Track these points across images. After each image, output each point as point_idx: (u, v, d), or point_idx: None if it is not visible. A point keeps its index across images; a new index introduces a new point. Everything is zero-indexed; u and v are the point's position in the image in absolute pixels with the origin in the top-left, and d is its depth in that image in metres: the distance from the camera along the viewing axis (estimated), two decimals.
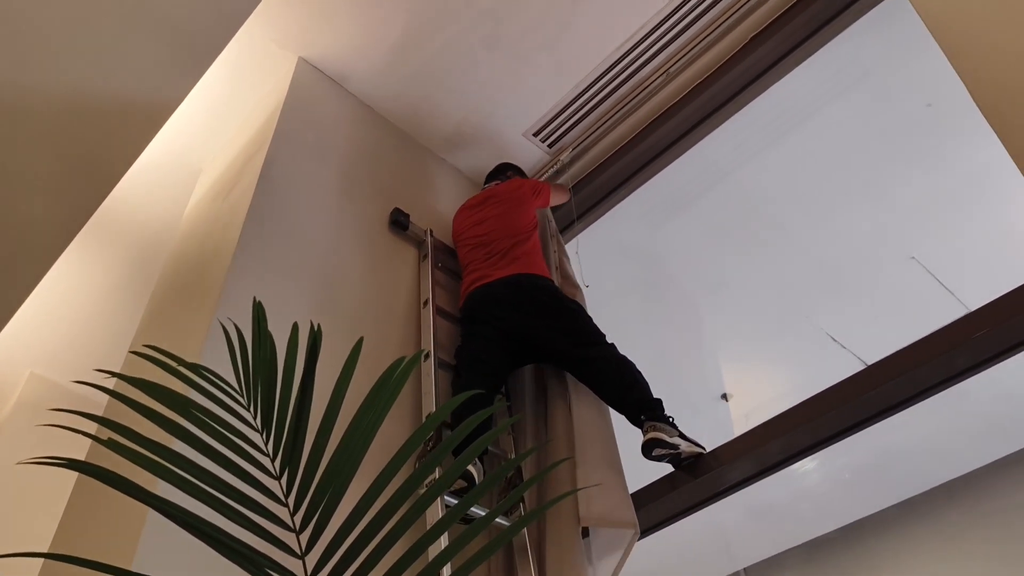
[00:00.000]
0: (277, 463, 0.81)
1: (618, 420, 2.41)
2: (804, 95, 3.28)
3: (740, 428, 4.45)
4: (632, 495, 2.44)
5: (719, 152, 3.43)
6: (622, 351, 2.50)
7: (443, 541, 1.92)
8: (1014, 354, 2.01)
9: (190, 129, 3.36)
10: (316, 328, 0.80)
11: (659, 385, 2.48)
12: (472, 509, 2.17)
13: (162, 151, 3.41)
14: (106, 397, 3.77)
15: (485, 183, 3.20)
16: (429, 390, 2.45)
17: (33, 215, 3.08)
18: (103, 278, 3.89)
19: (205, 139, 3.38)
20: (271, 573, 0.81)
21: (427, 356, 2.56)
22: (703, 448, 2.31)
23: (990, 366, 2.03)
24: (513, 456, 2.48)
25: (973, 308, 3.63)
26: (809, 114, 3.36)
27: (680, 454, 2.25)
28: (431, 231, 3.00)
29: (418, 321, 2.73)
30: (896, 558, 4.87)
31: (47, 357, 4.23)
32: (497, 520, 2.27)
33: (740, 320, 4.20)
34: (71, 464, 0.78)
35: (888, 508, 4.86)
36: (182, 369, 0.81)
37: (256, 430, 0.82)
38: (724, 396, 4.43)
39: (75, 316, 4.04)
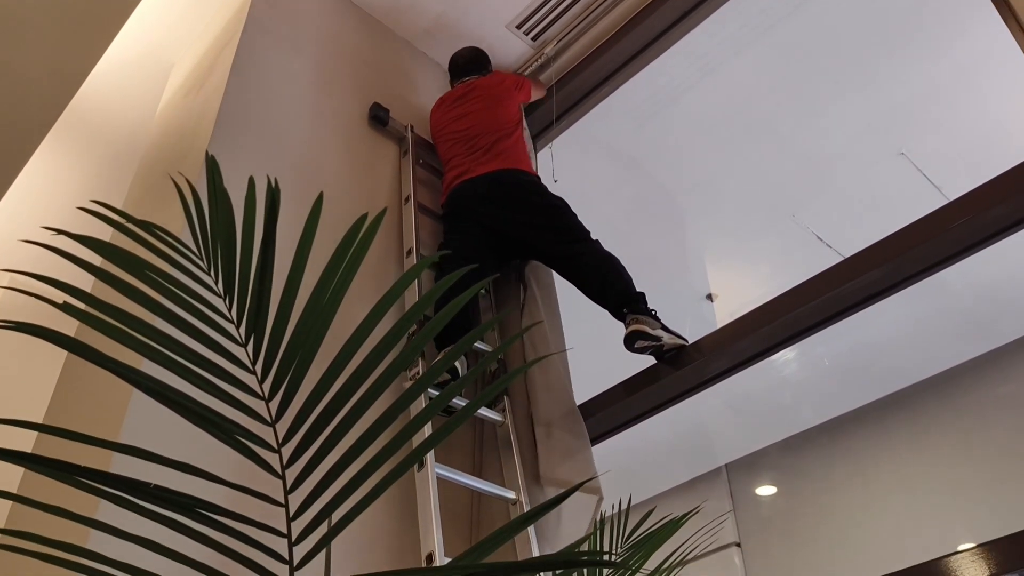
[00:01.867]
0: (242, 329, 0.79)
1: (601, 314, 2.41)
2: None
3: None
4: (614, 388, 2.47)
5: (706, 46, 3.34)
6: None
7: (426, 431, 1.95)
8: (992, 243, 2.00)
9: (161, 22, 3.24)
10: (274, 184, 0.77)
11: (644, 286, 2.48)
12: (454, 400, 2.19)
13: (133, 46, 3.30)
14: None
15: (457, 75, 3.06)
16: (412, 287, 2.43)
17: (2, 113, 3.00)
18: (78, 180, 3.81)
19: (176, 32, 3.26)
20: (242, 440, 0.81)
21: (410, 252, 2.54)
22: (685, 340, 2.32)
23: (968, 255, 2.03)
24: (494, 348, 2.49)
25: None
26: (798, 5, 3.26)
27: (663, 346, 2.26)
28: (412, 127, 2.93)
29: (400, 218, 2.69)
30: (872, 452, 5.01)
31: (26, 258, 4.18)
32: (482, 412, 2.30)
33: (725, 220, 4.19)
34: (24, 327, 0.76)
35: (867, 404, 4.96)
36: (132, 227, 0.78)
37: (218, 295, 0.79)
38: (709, 296, 4.44)
39: (51, 219, 3.98)
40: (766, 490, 5.69)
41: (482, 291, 2.62)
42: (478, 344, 2.48)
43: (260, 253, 0.77)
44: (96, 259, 0.83)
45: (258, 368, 0.80)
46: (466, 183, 2.62)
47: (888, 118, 3.63)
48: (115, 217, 0.80)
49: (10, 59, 2.80)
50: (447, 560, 1.81)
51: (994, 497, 4.28)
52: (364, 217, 0.79)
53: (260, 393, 0.81)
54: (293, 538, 0.83)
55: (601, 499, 2.12)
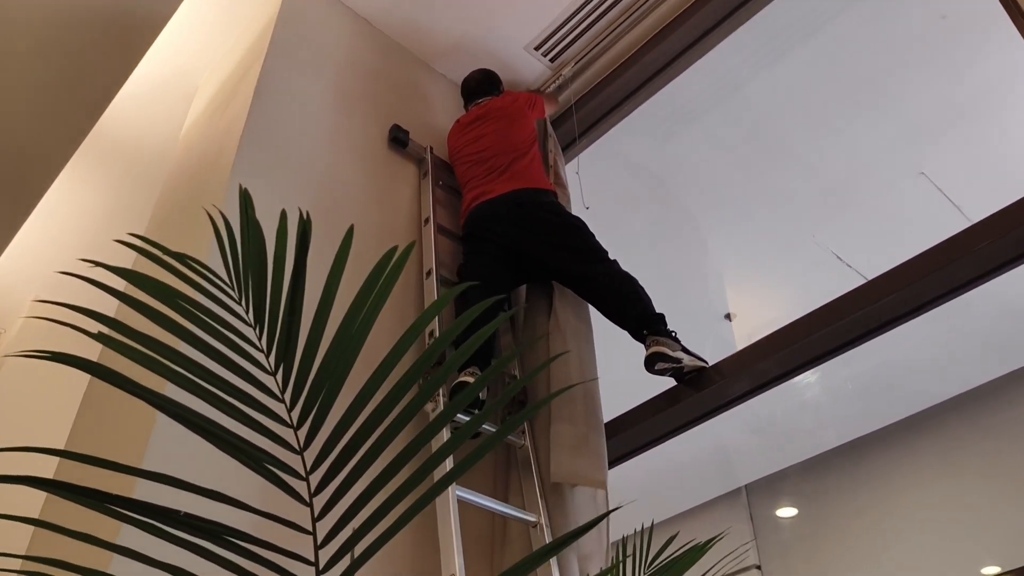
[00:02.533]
0: (272, 358, 0.80)
1: (621, 336, 2.41)
2: (815, 4, 3.18)
3: (744, 346, 4.47)
4: (634, 409, 2.46)
5: (725, 65, 3.35)
6: (625, 269, 2.49)
7: (448, 462, 1.95)
8: (1016, 265, 1.99)
9: (186, 46, 3.29)
10: (305, 216, 0.78)
11: (662, 305, 2.47)
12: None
13: (157, 68, 3.35)
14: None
15: (470, 98, 3.08)
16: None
17: (27, 136, 3.04)
18: (103, 201, 3.86)
19: (201, 55, 3.30)
20: (271, 468, 0.81)
21: (429, 274, 2.55)
22: (705, 362, 2.31)
23: (991, 278, 2.01)
24: (517, 375, 2.49)
25: None
26: (819, 25, 3.26)
27: (683, 368, 2.25)
28: (431, 148, 2.95)
29: (419, 239, 2.70)
30: (896, 474, 4.95)
31: (49, 283, 4.23)
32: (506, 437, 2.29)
33: (744, 239, 4.17)
34: (57, 357, 0.77)
35: (889, 425, 4.91)
36: (166, 258, 0.80)
37: (249, 324, 0.80)
38: (727, 316, 4.43)
39: (76, 241, 4.03)
40: (787, 512, 5.63)
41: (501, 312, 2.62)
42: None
43: (290, 284, 0.78)
44: (120, 285, 0.84)
45: (287, 396, 0.81)
46: (484, 204, 2.63)
47: (909, 138, 3.62)
48: (151, 249, 0.82)
49: (37, 78, 2.84)
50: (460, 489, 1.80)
51: (1021, 520, 4.21)
52: (394, 249, 0.80)
53: (289, 421, 0.81)
54: (321, 566, 0.83)
55: (606, 493, 2.12)
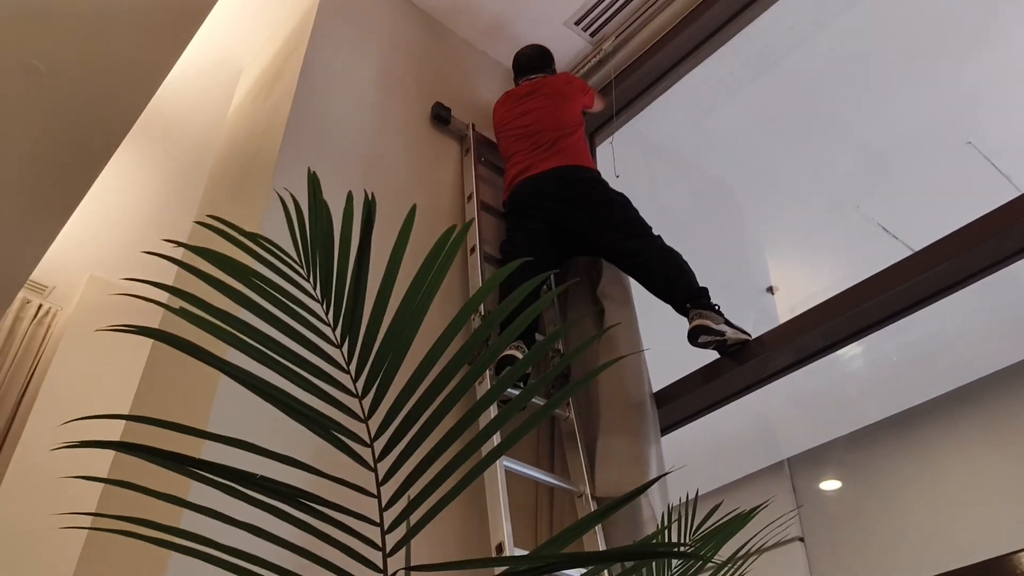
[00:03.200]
0: (338, 331, 0.85)
1: (664, 308, 2.43)
2: None
3: (785, 319, 4.46)
4: (677, 382, 2.49)
5: (767, 38, 3.32)
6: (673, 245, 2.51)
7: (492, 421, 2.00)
8: None
9: (231, 29, 3.35)
10: (371, 198, 0.83)
11: (704, 279, 2.49)
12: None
13: (203, 53, 3.41)
14: (164, 293, 3.87)
15: (522, 73, 3.09)
16: (476, 283, 2.49)
17: (80, 120, 3.13)
18: (154, 182, 3.96)
19: (245, 38, 3.36)
20: (338, 435, 0.86)
21: (473, 250, 2.59)
22: (749, 335, 2.32)
23: None
24: (562, 350, 2.53)
25: None
26: None
27: (726, 340, 2.27)
28: (473, 125, 2.98)
29: (463, 216, 2.74)
30: (941, 447, 4.91)
31: (105, 260, 4.36)
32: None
33: (787, 212, 4.15)
34: (145, 331, 0.82)
35: (935, 398, 4.87)
36: (242, 239, 0.85)
37: (316, 300, 0.85)
38: (770, 289, 4.41)
39: (129, 220, 4.14)
40: (830, 485, 5.62)
41: (546, 288, 2.65)
42: (540, 337, 2.52)
43: (356, 261, 0.82)
44: (184, 266, 0.90)
45: (352, 367, 0.85)
46: (529, 180, 2.66)
47: (954, 107, 3.56)
48: (227, 229, 0.86)
49: (90, 63, 2.92)
50: (516, 550, 1.86)
51: None
52: (452, 228, 0.83)
53: (354, 391, 0.86)
54: (386, 527, 0.88)
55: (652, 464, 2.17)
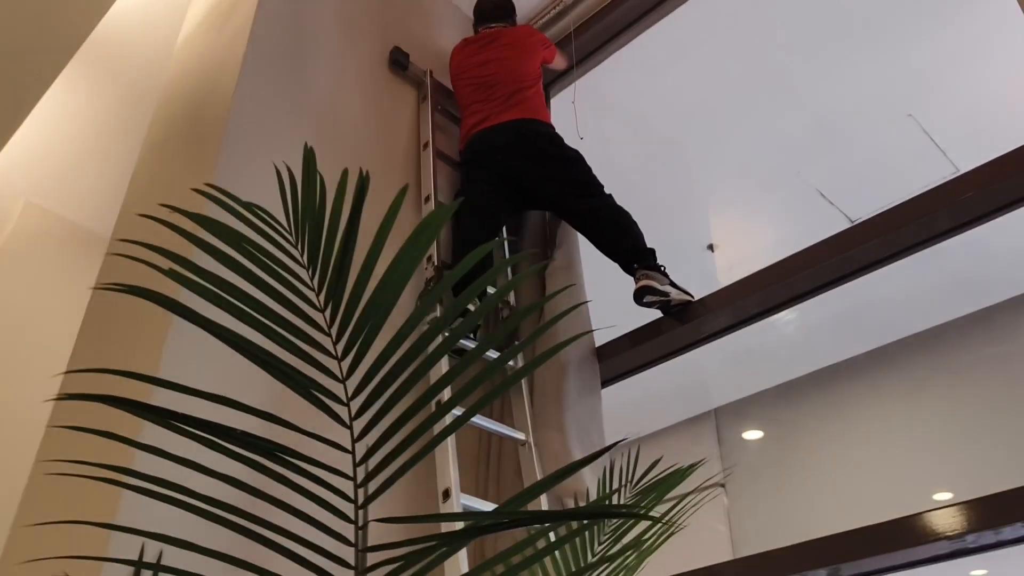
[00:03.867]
0: (322, 297, 0.89)
1: (612, 268, 2.50)
2: None
3: (724, 278, 4.59)
4: (620, 338, 2.58)
5: (724, 1, 3.37)
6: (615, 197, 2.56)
7: (443, 366, 2.06)
8: (995, 217, 2.09)
9: None
10: (365, 175, 0.86)
11: (647, 234, 2.56)
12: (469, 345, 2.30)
13: None
14: (106, 230, 3.80)
15: (483, 20, 3.06)
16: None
17: (22, 42, 3.02)
18: (96, 112, 3.84)
19: None
20: (316, 394, 0.91)
21: (427, 199, 2.61)
22: (691, 296, 2.42)
23: (971, 228, 2.11)
24: (512, 303, 2.59)
25: (964, 169, 3.70)
26: None
27: (670, 301, 2.36)
28: (431, 72, 2.97)
29: (418, 164, 2.75)
30: (860, 404, 5.18)
31: (42, 187, 4.24)
32: (490, 355, 2.41)
33: (731, 173, 4.25)
34: (136, 291, 0.84)
35: (858, 358, 5.11)
36: (237, 207, 0.87)
37: (303, 267, 0.88)
38: (710, 247, 4.54)
39: (68, 148, 4.02)
40: (753, 434, 5.88)
41: (499, 241, 2.70)
42: (493, 291, 2.57)
43: (344, 232, 0.86)
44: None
45: (334, 331, 0.89)
46: (485, 131, 2.68)
47: (898, 80, 3.68)
48: (224, 199, 0.89)
49: None
50: (463, 496, 1.93)
51: (974, 453, 4.46)
52: (404, 192, 0.87)
53: (334, 353, 0.90)
54: (358, 480, 0.93)
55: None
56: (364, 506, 0.94)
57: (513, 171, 2.61)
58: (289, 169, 0.88)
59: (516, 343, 2.23)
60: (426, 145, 2.76)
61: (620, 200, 2.58)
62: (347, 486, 0.94)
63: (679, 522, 1.55)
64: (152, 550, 1.50)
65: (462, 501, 1.93)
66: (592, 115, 3.84)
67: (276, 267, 0.87)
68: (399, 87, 2.90)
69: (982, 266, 4.22)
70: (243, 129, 2.28)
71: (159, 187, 2.49)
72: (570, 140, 2.95)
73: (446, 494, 1.93)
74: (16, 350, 3.91)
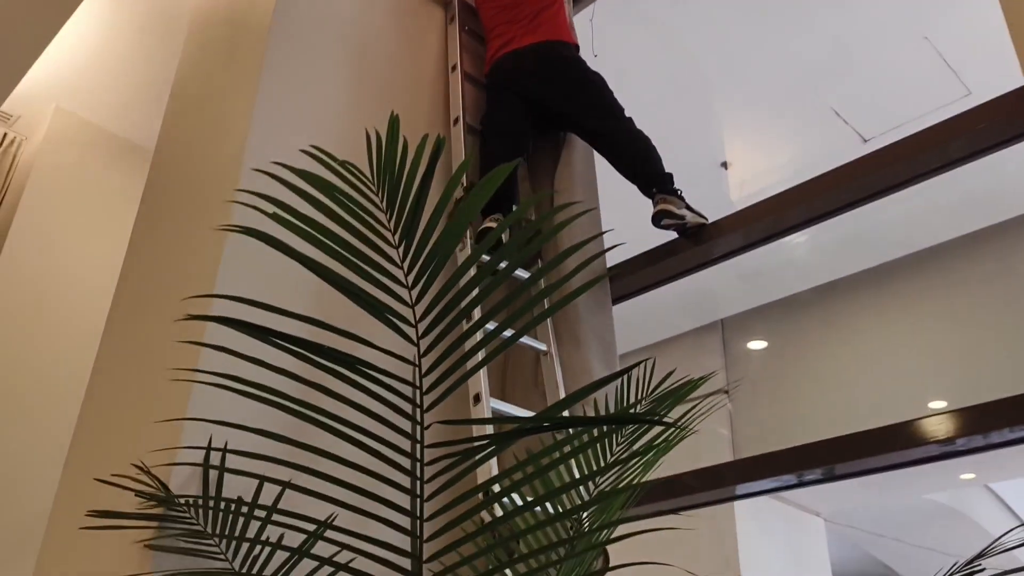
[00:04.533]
0: (397, 236, 1.04)
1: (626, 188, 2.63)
2: None
3: (736, 194, 4.72)
4: (637, 257, 2.73)
5: None
6: (632, 116, 2.67)
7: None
8: (1008, 145, 2.20)
9: None
10: (440, 139, 1.00)
11: (663, 150, 2.67)
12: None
13: None
14: (144, 137, 3.94)
15: None
16: (459, 154, 2.65)
17: None
18: (122, 16, 3.89)
19: None
20: (391, 318, 1.08)
21: (456, 121, 2.73)
22: (706, 219, 2.56)
23: (990, 153, 2.22)
24: (534, 218, 2.74)
25: (975, 92, 3.76)
26: None
27: (686, 224, 2.50)
28: None
29: (446, 86, 2.85)
30: (861, 317, 5.37)
31: (71, 93, 4.33)
32: (518, 273, 2.57)
33: (747, 93, 4.31)
34: (250, 232, 1.00)
35: (862, 272, 5.28)
36: (335, 165, 1.02)
37: (382, 210, 1.04)
38: (724, 164, 4.64)
39: (97, 56, 4.10)
40: (757, 344, 6.11)
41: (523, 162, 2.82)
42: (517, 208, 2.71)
43: (419, 186, 1.01)
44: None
45: (406, 264, 1.05)
46: (509, 55, 2.77)
47: (915, 3, 3.71)
48: (324, 159, 1.03)
49: None
50: (493, 400, 2.13)
51: (972, 365, 4.67)
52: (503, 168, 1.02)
53: (405, 283, 1.07)
54: (424, 388, 1.11)
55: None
56: (428, 410, 1.12)
57: (537, 94, 2.72)
58: (378, 133, 1.02)
59: (539, 260, 2.41)
60: (454, 67, 2.85)
61: (637, 113, 2.68)
62: (407, 392, 1.13)
63: (690, 427, 1.74)
64: (218, 441, 1.71)
65: (491, 405, 2.13)
66: (614, 30, 3.89)
67: (361, 212, 1.02)
68: (427, 8, 2.97)
69: (990, 186, 4.33)
70: (282, 46, 2.38)
71: (203, 102, 2.62)
72: (589, 56, 3.04)
73: (476, 398, 2.12)
74: (55, 253, 4.09)
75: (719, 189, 4.69)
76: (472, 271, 1.10)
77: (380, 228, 1.03)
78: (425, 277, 1.05)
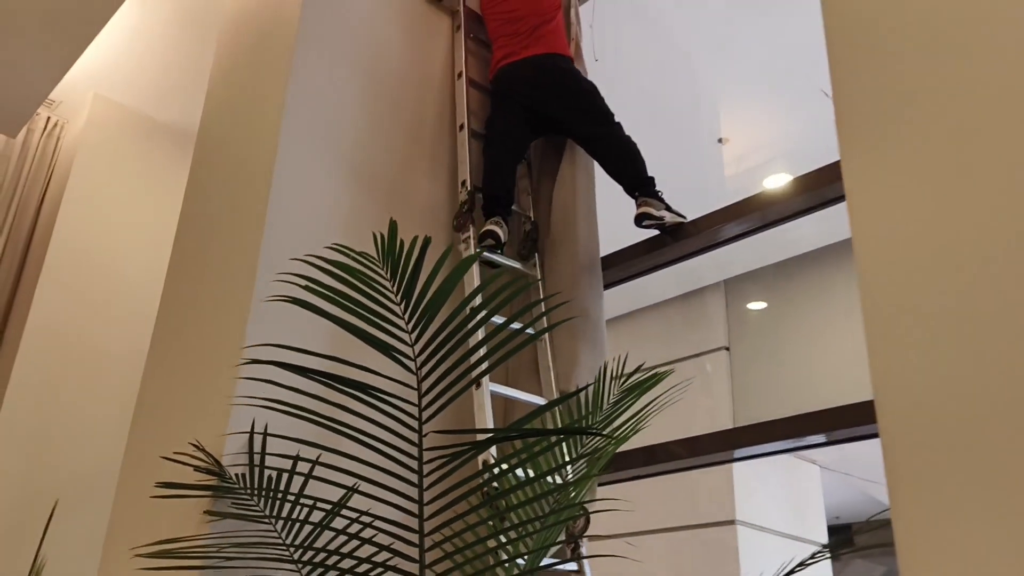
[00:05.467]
0: (411, 325, 1.39)
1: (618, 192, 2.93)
2: None
3: (731, 168, 4.99)
4: (625, 249, 3.05)
5: None
6: (633, 98, 2.93)
7: (475, 278, 2.57)
8: None
9: None
10: (428, 240, 1.32)
11: (663, 128, 2.91)
12: (502, 261, 2.80)
13: None
14: (187, 123, 4.29)
15: None
16: (464, 159, 2.95)
17: None
18: (164, 13, 4.18)
19: None
20: (394, 354, 1.42)
21: (462, 127, 3.03)
22: (684, 217, 2.86)
23: None
24: (531, 214, 3.05)
25: None
26: None
27: (664, 223, 2.81)
28: (464, 1, 3.29)
29: (452, 92, 3.15)
30: (850, 284, 5.64)
31: (109, 81, 4.65)
32: (519, 267, 2.90)
33: (743, 74, 4.53)
34: (294, 300, 1.34)
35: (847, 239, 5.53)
36: (354, 254, 1.35)
37: (386, 279, 1.38)
38: (720, 140, 4.90)
39: (134, 46, 4.40)
40: (757, 305, 6.42)
41: (525, 163, 3.13)
42: (518, 209, 3.03)
43: (412, 269, 1.34)
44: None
45: (413, 337, 1.40)
46: (511, 66, 3.05)
47: None
48: (343, 250, 1.37)
49: None
50: (492, 384, 2.48)
51: None
52: (471, 257, 1.34)
53: (409, 343, 1.41)
54: (422, 406, 1.47)
55: None
56: (426, 422, 1.47)
57: (536, 102, 3.00)
58: (383, 236, 1.34)
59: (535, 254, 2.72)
60: (460, 75, 3.14)
61: (641, 94, 2.94)
62: (411, 411, 1.48)
63: (622, 435, 2.05)
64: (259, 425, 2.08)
65: (490, 388, 2.48)
66: (616, 20, 4.14)
67: (374, 292, 1.37)
68: (435, 17, 3.24)
69: None
70: (308, 53, 2.69)
71: (239, 90, 2.94)
72: (588, 61, 3.32)
73: (477, 384, 2.47)
74: (103, 230, 4.46)
75: (717, 163, 4.95)
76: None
77: (387, 297, 1.37)
78: (425, 339, 1.39)
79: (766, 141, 4.81)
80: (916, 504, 1.30)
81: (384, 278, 1.32)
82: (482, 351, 1.49)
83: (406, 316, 1.38)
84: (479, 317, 1.38)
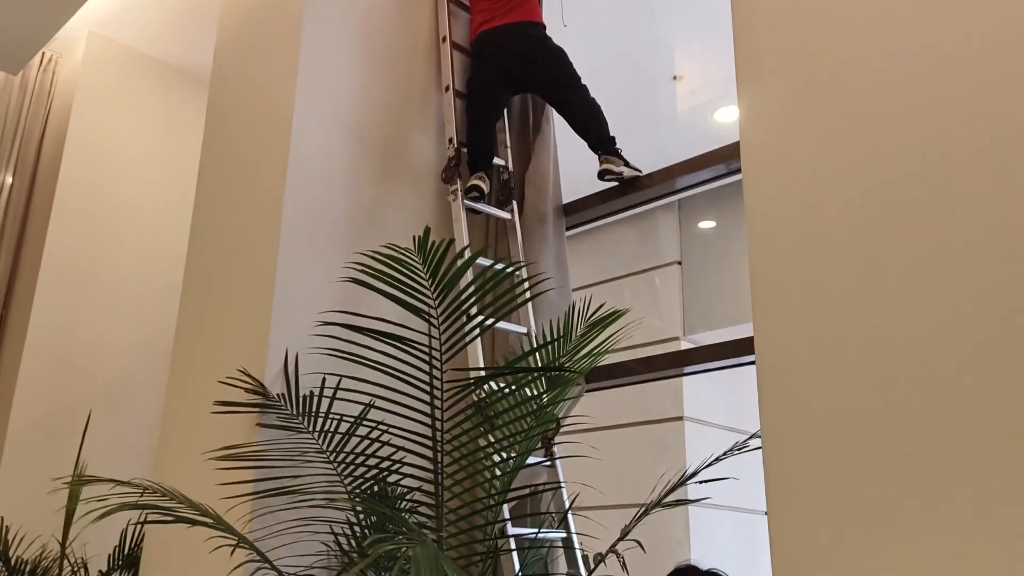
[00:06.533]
0: (428, 279, 1.88)
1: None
2: None
3: (684, 104, 5.44)
4: (589, 196, 3.55)
5: None
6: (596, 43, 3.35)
7: (464, 237, 3.06)
8: None
9: None
10: (449, 241, 1.81)
11: (622, 67, 3.26)
12: (483, 208, 3.28)
13: None
14: (188, 60, 4.63)
15: None
16: (450, 118, 3.39)
17: None
18: None
19: None
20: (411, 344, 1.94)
21: (447, 88, 3.45)
22: (639, 171, 3.35)
23: None
24: (508, 165, 3.51)
25: None
26: None
27: (623, 177, 3.30)
28: None
29: (438, 54, 3.54)
30: None
31: (100, 16, 4.88)
32: (496, 212, 3.38)
33: (696, 14, 4.89)
34: (356, 281, 1.84)
35: None
36: (398, 252, 1.84)
37: (426, 286, 1.87)
38: (675, 77, 5.32)
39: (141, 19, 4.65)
40: (707, 224, 6.98)
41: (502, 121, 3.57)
42: (497, 161, 3.49)
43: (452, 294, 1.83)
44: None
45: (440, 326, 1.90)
46: (489, 31, 3.45)
47: None
48: (382, 258, 1.85)
49: None
50: None
51: None
52: (468, 261, 1.83)
53: (436, 329, 1.92)
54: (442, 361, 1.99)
55: None
56: (443, 363, 2.00)
57: (511, 66, 3.42)
58: (423, 241, 1.83)
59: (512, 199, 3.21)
60: (444, 39, 3.53)
61: (597, 37, 3.33)
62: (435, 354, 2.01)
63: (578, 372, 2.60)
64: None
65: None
66: None
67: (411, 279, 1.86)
68: None
69: None
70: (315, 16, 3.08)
71: (251, 37, 3.31)
72: (558, 26, 3.72)
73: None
74: (108, 169, 4.81)
75: (671, 98, 5.39)
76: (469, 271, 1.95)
77: (423, 286, 1.87)
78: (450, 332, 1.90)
79: (718, 78, 5.24)
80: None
81: (420, 271, 1.83)
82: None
83: (433, 293, 1.89)
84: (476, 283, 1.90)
